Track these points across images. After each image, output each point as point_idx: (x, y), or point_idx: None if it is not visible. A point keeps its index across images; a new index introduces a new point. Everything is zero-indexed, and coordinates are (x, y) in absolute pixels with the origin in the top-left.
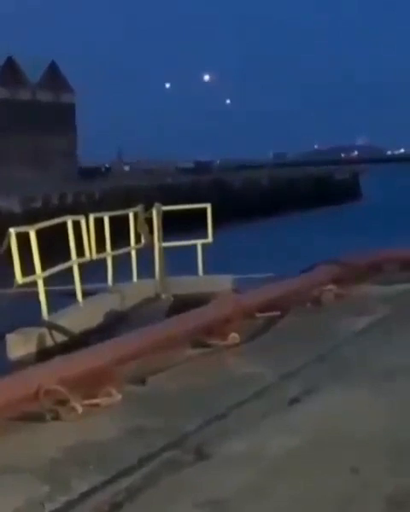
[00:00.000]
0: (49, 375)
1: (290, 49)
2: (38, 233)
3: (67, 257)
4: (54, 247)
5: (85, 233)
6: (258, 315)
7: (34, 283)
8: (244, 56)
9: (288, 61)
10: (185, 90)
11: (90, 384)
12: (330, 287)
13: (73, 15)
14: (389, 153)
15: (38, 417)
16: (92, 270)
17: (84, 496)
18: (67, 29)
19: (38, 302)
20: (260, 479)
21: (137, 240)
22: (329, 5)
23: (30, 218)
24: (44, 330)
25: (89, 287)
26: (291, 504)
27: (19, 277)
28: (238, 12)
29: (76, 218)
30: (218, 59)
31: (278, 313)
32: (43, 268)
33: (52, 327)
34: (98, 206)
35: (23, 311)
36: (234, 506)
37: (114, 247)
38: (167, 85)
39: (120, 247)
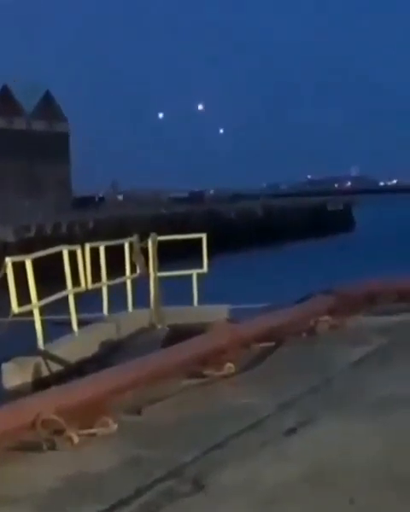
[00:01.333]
0: (45, 404)
1: (285, 76)
2: (34, 262)
3: (63, 286)
4: (49, 276)
5: (81, 262)
6: (254, 345)
7: (30, 313)
8: (238, 87)
9: (281, 91)
10: (179, 119)
11: (86, 414)
12: (326, 317)
13: (68, 42)
14: (381, 183)
15: (34, 447)
16: (88, 300)
17: None
18: (63, 56)
19: (34, 331)
20: (257, 510)
21: (133, 269)
22: (318, 39)
23: (24, 247)
24: (40, 360)
25: (84, 316)
26: None
27: (15, 307)
28: (234, 40)
29: (72, 247)
30: (212, 89)
31: (274, 343)
32: (39, 297)
33: (48, 356)
34: (92, 235)
35: (19, 341)
36: None
37: (109, 276)
38: (161, 115)
39: (116, 276)
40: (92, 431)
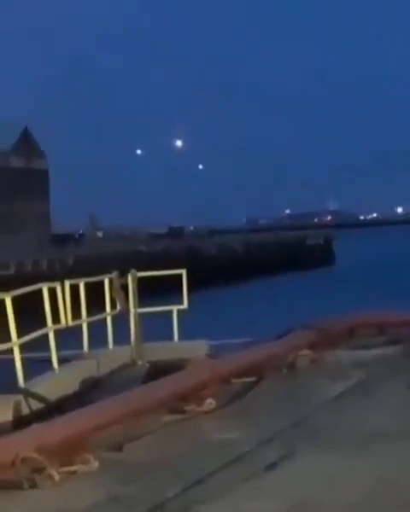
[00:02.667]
0: (25, 442)
1: (265, 113)
2: (14, 300)
3: (43, 323)
4: (29, 313)
5: (61, 299)
6: (234, 380)
7: (10, 350)
8: (216, 123)
9: (259, 126)
10: (157, 156)
11: (67, 451)
12: (306, 352)
13: (45, 77)
14: (362, 217)
15: (15, 485)
16: (68, 337)
17: None
18: (40, 91)
19: (14, 369)
20: None
21: (113, 306)
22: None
23: (4, 284)
24: (20, 397)
25: (65, 353)
26: None
27: None
28: (210, 80)
29: (52, 284)
30: (190, 126)
31: (254, 379)
32: (19, 335)
33: (28, 394)
34: (72, 272)
35: (0, 378)
36: None
37: (89, 313)
38: (139, 152)
39: (96, 313)
40: (73, 468)
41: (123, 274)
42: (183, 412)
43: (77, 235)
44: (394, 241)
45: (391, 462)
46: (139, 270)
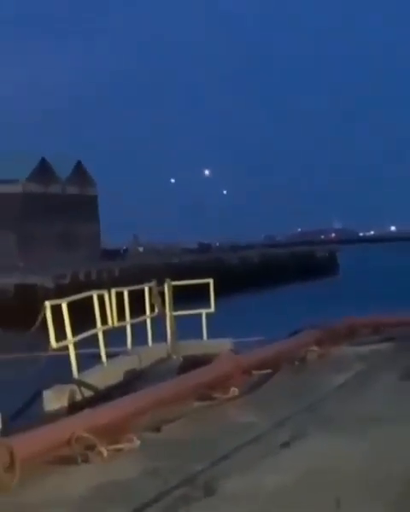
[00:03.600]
0: (79, 424)
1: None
2: (69, 305)
3: (93, 325)
4: (82, 316)
5: (108, 304)
6: (254, 372)
7: (66, 347)
8: (239, 158)
9: (276, 163)
10: (189, 183)
11: (113, 432)
12: (314, 348)
13: (96, 118)
14: (361, 234)
15: (70, 461)
16: (114, 336)
17: None
18: (92, 129)
19: (70, 363)
20: (257, 511)
21: (152, 309)
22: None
23: (60, 292)
24: (75, 387)
25: (111, 350)
26: None
27: (53, 342)
28: (232, 122)
29: (100, 292)
30: (217, 158)
31: (271, 370)
32: (74, 334)
33: (81, 384)
34: (118, 281)
35: (57, 371)
36: None
37: (132, 315)
38: (173, 180)
39: (138, 315)
40: (119, 446)
41: (160, 283)
42: (211, 399)
43: (122, 251)
44: (388, 254)
45: (385, 440)
46: (173, 279)
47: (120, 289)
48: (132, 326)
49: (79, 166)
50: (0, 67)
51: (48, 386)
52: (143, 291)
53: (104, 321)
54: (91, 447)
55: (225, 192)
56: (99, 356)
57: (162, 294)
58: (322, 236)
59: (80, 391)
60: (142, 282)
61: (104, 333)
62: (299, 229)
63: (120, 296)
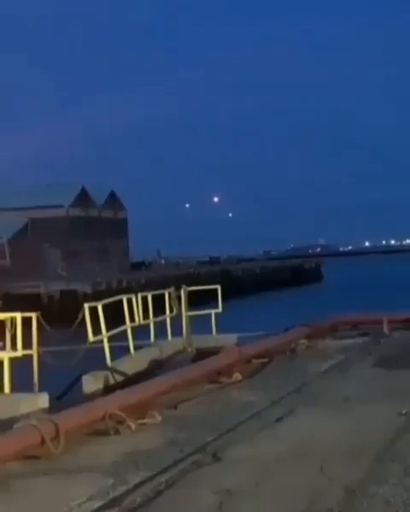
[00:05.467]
0: (112, 403)
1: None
2: (104, 307)
3: (123, 322)
4: (114, 316)
5: (135, 306)
6: (253, 361)
7: (101, 341)
8: (243, 186)
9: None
10: (201, 207)
11: (140, 409)
12: (303, 341)
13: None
14: (341, 249)
15: (104, 433)
16: (140, 332)
17: (137, 486)
18: (125, 165)
19: (104, 354)
20: (256, 475)
21: (171, 310)
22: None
23: (97, 296)
24: (108, 373)
25: (138, 343)
26: (279, 493)
27: (90, 337)
28: (238, 158)
29: (129, 296)
30: (223, 188)
31: (267, 359)
32: (107, 330)
33: (114, 370)
34: (144, 288)
35: (94, 360)
36: (239, 493)
37: (155, 315)
38: (187, 205)
39: (159, 315)
40: (144, 421)
41: (178, 289)
42: (218, 383)
43: (147, 263)
44: (363, 266)
45: (361, 415)
46: (189, 285)
47: (145, 294)
48: (155, 324)
49: (112, 194)
50: (56, 123)
51: (86, 372)
52: (164, 295)
53: (132, 319)
54: (122, 422)
55: (230, 215)
56: (128, 348)
57: (179, 298)
58: (310, 251)
59: (113, 376)
60: (163, 288)
61: (132, 329)
62: (291, 245)
63: (145, 299)
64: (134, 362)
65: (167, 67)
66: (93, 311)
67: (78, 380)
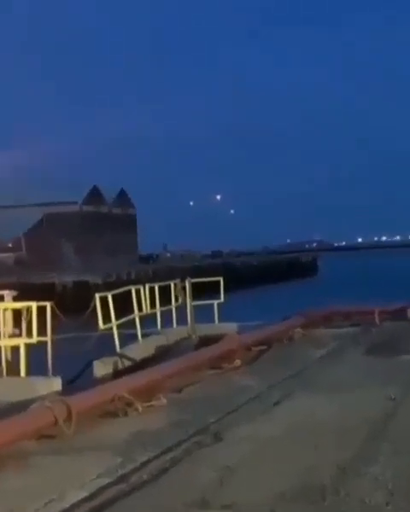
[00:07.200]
0: (121, 387)
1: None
2: (113, 297)
3: (132, 311)
4: (123, 305)
5: (143, 296)
6: (253, 348)
7: (111, 328)
8: (244, 184)
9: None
10: (204, 204)
11: (147, 392)
12: (299, 330)
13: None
14: (336, 244)
15: (114, 415)
16: (147, 320)
17: (144, 464)
18: (135, 164)
19: (114, 340)
20: (255, 454)
21: (176, 300)
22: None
23: (107, 287)
24: (117, 358)
25: (145, 330)
26: (276, 470)
27: (101, 325)
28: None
29: (137, 287)
30: (226, 186)
31: (266, 347)
32: (117, 318)
33: (122, 356)
34: (151, 279)
35: (104, 346)
36: (239, 470)
37: (161, 305)
38: (191, 203)
39: (166, 305)
40: (151, 403)
41: (183, 280)
42: (220, 368)
43: (154, 256)
44: (356, 260)
45: (352, 399)
46: (193, 277)
47: (152, 285)
48: (161, 313)
49: (122, 193)
50: (73, 127)
51: (97, 358)
52: (170, 286)
53: (140, 309)
54: (130, 404)
55: (232, 212)
56: (136, 335)
57: (184, 289)
58: (306, 246)
59: (122, 362)
60: (169, 279)
61: (140, 318)
62: (288, 241)
63: (152, 290)
64: (142, 348)
65: (167, 69)
66: (104, 300)
67: (89, 365)
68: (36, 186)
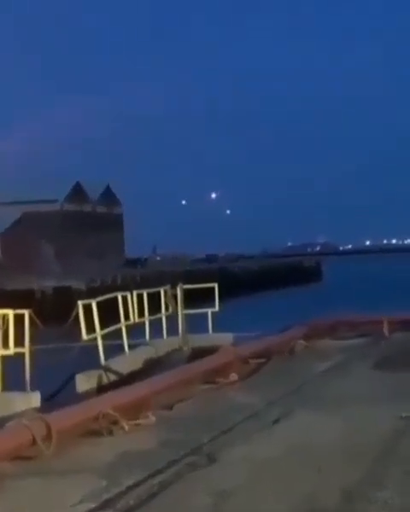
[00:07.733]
0: (105, 403)
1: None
2: (98, 304)
3: (118, 320)
4: (109, 313)
5: (130, 304)
6: (250, 361)
7: (95, 339)
8: (241, 181)
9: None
10: (198, 204)
11: (134, 410)
12: (301, 341)
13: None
14: (341, 248)
15: (97, 434)
16: (135, 330)
17: (130, 488)
18: (122, 159)
19: (98, 352)
20: (252, 477)
21: (166, 308)
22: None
23: (91, 294)
24: (102, 372)
25: (132, 341)
26: (275, 495)
27: (84, 335)
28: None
29: (124, 293)
30: (222, 184)
31: (265, 359)
32: (102, 328)
33: (107, 369)
34: (139, 285)
35: (88, 358)
36: (235, 495)
37: (150, 313)
38: (184, 202)
39: (155, 313)
40: (138, 422)
41: (174, 286)
42: (214, 383)
43: (142, 260)
44: (364, 265)
45: (358, 417)
46: (185, 283)
47: (140, 291)
48: (150, 322)
49: (107, 190)
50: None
51: (80, 371)
52: (159, 293)
53: (127, 317)
54: (115, 422)
55: (228, 212)
56: (122, 346)
57: (175, 296)
58: (309, 249)
59: (107, 375)
60: (159, 286)
61: (127, 327)
62: (289, 243)
63: (140, 297)
64: (129, 361)
65: (163, 61)
66: (87, 308)
67: (71, 378)
68: (12, 182)
